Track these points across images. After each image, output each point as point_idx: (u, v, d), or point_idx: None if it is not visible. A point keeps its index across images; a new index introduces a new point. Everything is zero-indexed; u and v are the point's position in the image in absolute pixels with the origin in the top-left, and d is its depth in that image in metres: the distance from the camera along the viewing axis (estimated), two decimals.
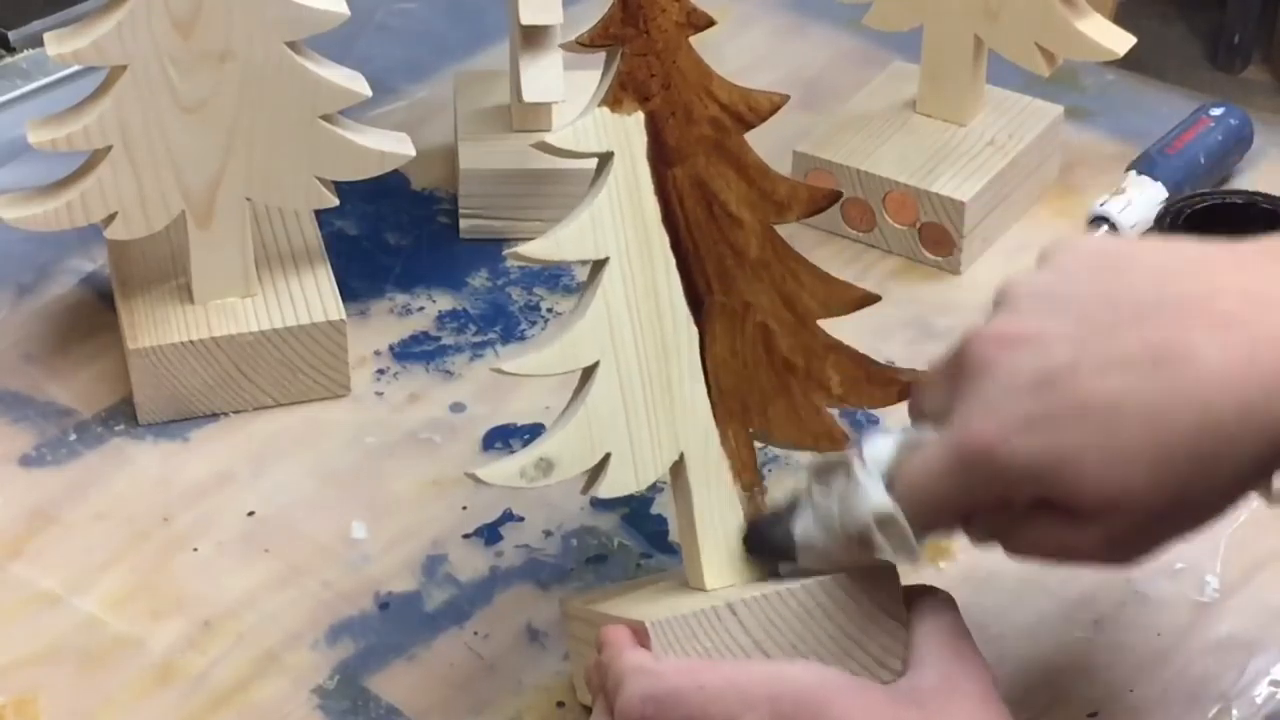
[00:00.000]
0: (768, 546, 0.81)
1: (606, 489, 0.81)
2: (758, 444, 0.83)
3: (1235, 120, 1.19)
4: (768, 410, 0.83)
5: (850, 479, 0.77)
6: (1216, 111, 1.19)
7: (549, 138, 0.82)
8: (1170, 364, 0.68)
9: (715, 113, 0.82)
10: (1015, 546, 0.75)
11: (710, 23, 0.81)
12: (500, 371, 0.81)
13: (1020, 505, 0.72)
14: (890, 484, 0.76)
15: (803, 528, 0.79)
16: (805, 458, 0.98)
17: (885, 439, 0.77)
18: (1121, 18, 1.14)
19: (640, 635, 0.77)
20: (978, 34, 1.12)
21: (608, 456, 0.81)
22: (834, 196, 0.84)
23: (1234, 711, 0.87)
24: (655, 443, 0.81)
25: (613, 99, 0.80)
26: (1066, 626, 0.91)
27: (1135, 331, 0.69)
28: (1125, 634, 0.91)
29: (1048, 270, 0.73)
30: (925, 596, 0.80)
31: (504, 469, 0.81)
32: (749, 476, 0.83)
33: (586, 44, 0.81)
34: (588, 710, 0.84)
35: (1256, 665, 0.89)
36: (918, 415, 0.78)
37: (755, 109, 0.82)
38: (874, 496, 0.76)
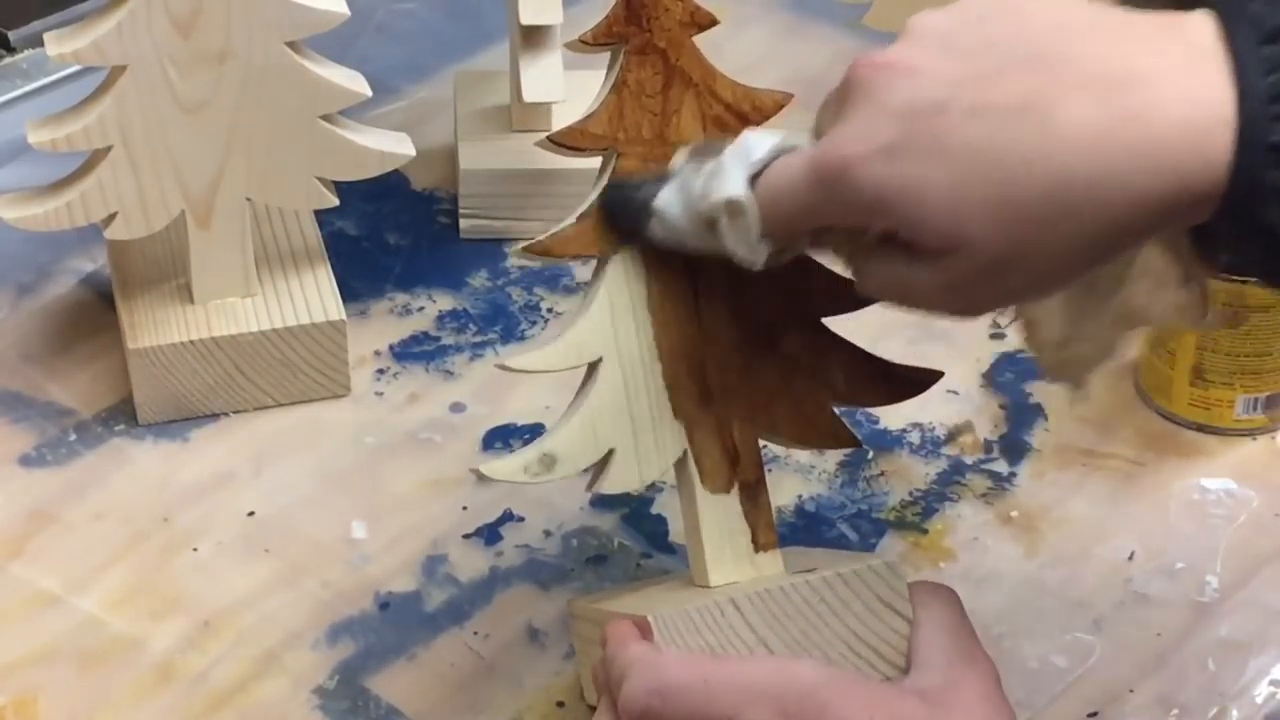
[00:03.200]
0: (627, 206, 0.80)
1: (610, 485, 0.81)
2: (762, 442, 0.83)
3: None
4: (772, 407, 0.83)
5: (718, 161, 0.76)
6: None
7: (552, 135, 0.82)
8: (1035, 114, 0.68)
9: (719, 112, 0.82)
10: (862, 281, 0.75)
11: (714, 22, 0.82)
12: (505, 368, 0.81)
13: (871, 236, 0.72)
14: (755, 179, 0.75)
15: (664, 196, 0.78)
16: (808, 455, 0.99)
17: (767, 137, 0.76)
18: None
19: (644, 630, 0.77)
20: None
21: (611, 453, 0.81)
22: None
23: (1234, 711, 0.87)
24: (659, 439, 0.81)
25: (616, 97, 0.81)
26: (1066, 626, 0.91)
27: (1013, 79, 0.68)
28: (1125, 634, 0.91)
29: (954, 9, 0.73)
30: (930, 593, 0.79)
31: (507, 465, 0.80)
32: (753, 474, 0.83)
33: (590, 42, 0.81)
34: (591, 710, 0.84)
35: (1256, 665, 0.89)
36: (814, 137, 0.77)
37: (759, 108, 0.83)
38: (731, 182, 0.75)
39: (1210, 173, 0.67)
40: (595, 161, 0.82)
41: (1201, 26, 0.69)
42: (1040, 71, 0.68)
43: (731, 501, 0.82)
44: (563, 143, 0.81)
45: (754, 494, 0.83)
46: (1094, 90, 0.67)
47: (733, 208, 0.75)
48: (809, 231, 0.75)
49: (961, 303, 0.73)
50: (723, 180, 0.75)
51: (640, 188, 0.80)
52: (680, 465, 0.82)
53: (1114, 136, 0.67)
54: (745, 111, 0.82)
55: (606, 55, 0.82)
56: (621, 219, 0.81)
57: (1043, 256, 0.69)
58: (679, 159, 0.80)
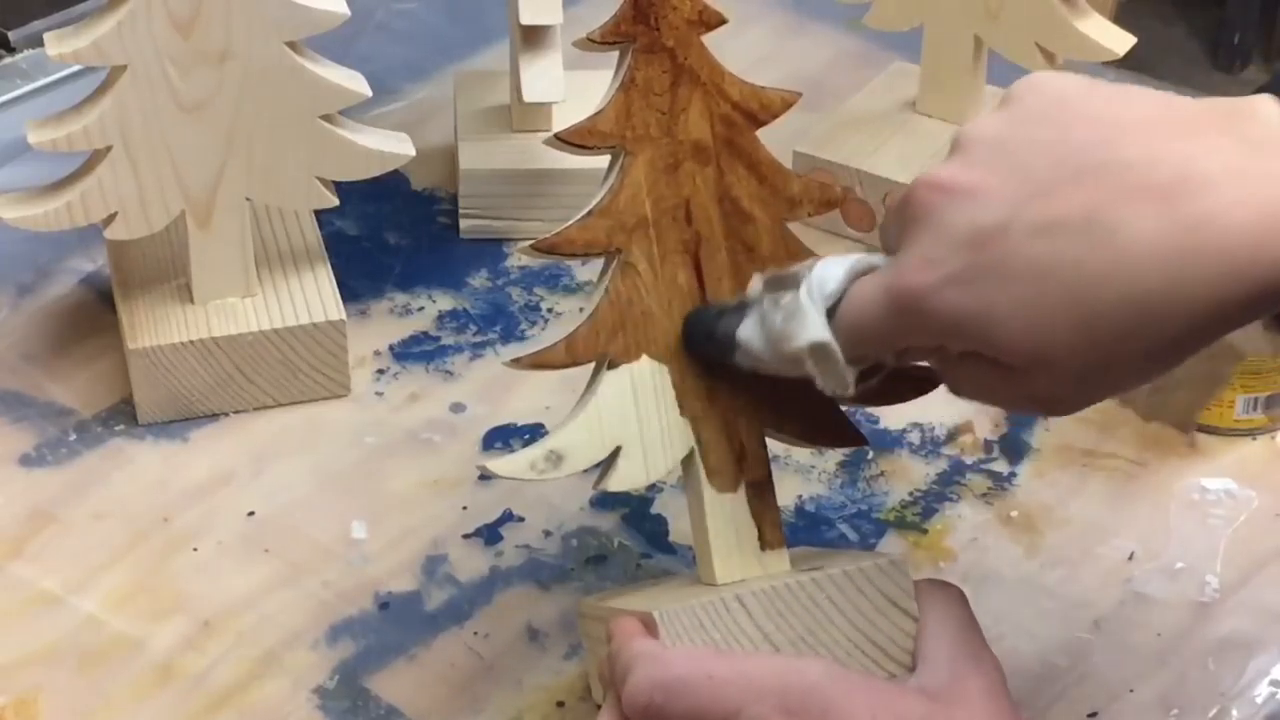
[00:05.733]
0: (710, 338, 0.80)
1: (616, 483, 0.81)
2: (769, 439, 0.83)
3: None
4: (779, 405, 0.83)
5: (794, 298, 0.76)
6: None
7: (560, 133, 0.82)
8: (1100, 232, 0.67)
9: (727, 110, 0.82)
10: (953, 386, 0.76)
11: (721, 21, 0.82)
12: (515, 363, 0.81)
13: (955, 352, 0.73)
14: (834, 310, 0.75)
15: (747, 329, 0.78)
16: (808, 455, 0.99)
17: (838, 264, 0.76)
18: (1121, 18, 1.14)
19: (649, 626, 0.77)
20: (978, 34, 1.12)
21: (618, 450, 0.81)
22: (846, 193, 0.84)
23: (1234, 711, 0.87)
24: (665, 437, 0.81)
25: (624, 96, 0.81)
26: (1066, 626, 0.91)
27: (1072, 193, 0.68)
28: (1125, 634, 0.91)
29: (1004, 114, 0.72)
30: (936, 591, 0.79)
31: (514, 462, 0.81)
32: (760, 471, 0.83)
33: (598, 41, 0.81)
34: (590, 710, 0.84)
35: (1256, 665, 0.89)
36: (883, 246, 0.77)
37: (767, 106, 0.83)
38: (812, 326, 0.75)
39: None
40: (597, 160, 0.82)
41: (1265, 111, 0.68)
42: (1099, 183, 0.68)
43: (738, 499, 0.82)
44: (571, 140, 0.81)
45: (761, 492, 0.82)
46: (1155, 199, 0.67)
47: (817, 352, 0.75)
48: (895, 351, 0.75)
49: (1050, 408, 0.74)
50: (803, 323, 0.75)
51: (720, 318, 0.80)
52: (687, 463, 0.82)
53: (1182, 247, 0.66)
54: (753, 110, 0.82)
55: (608, 55, 0.82)
56: (706, 350, 0.81)
57: (1126, 364, 0.69)
58: (755, 287, 0.79)
